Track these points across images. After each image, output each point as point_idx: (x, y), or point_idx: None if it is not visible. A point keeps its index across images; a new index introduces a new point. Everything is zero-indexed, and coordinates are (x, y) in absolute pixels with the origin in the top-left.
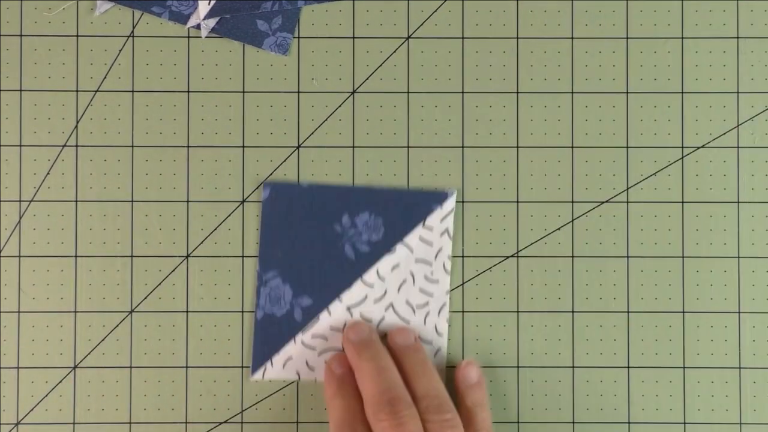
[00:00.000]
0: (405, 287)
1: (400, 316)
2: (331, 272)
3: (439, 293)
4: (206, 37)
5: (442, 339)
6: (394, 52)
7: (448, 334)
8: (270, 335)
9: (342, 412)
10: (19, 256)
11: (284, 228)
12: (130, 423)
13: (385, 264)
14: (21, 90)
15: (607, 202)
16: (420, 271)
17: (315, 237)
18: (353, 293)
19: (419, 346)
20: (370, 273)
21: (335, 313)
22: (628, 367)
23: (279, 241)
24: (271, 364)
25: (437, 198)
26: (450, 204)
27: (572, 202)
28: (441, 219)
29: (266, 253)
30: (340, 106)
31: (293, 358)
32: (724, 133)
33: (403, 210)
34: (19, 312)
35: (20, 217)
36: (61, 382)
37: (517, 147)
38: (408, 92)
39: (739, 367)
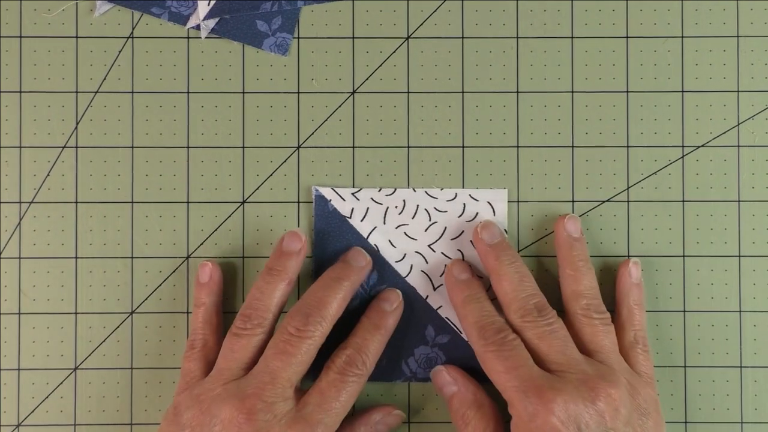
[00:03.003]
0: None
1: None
2: None
3: None
4: (206, 37)
5: None
6: (394, 52)
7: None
8: None
9: (479, 314)
10: (20, 258)
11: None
12: (131, 424)
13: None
14: (21, 91)
15: (607, 201)
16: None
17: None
18: None
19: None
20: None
21: None
22: None
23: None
24: None
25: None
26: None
27: (572, 201)
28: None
29: None
30: (340, 106)
31: None
32: (724, 132)
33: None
34: (19, 313)
35: (20, 219)
36: (61, 383)
37: (517, 147)
38: (408, 92)
39: (740, 366)
